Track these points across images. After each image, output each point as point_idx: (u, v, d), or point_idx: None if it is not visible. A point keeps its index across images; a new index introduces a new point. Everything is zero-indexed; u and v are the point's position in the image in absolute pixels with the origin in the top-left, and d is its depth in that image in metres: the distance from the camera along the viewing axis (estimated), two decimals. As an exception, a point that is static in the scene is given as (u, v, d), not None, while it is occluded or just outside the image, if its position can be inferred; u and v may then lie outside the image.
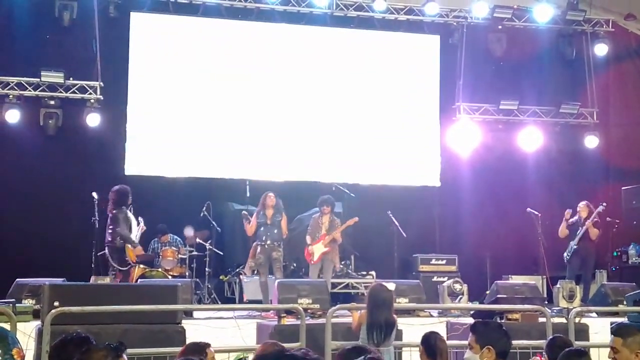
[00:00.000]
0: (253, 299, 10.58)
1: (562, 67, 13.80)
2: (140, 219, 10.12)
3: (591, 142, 13.55)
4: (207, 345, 4.24)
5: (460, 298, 10.48)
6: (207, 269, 10.90)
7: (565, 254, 11.29)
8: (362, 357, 3.06)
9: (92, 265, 10.27)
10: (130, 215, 9.86)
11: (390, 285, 6.55)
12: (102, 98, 11.84)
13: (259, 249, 10.26)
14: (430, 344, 4.87)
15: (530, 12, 13.46)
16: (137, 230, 9.97)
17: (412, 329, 7.57)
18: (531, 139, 13.51)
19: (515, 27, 13.55)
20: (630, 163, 13.44)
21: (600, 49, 13.73)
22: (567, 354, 4.06)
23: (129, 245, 9.71)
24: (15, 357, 2.85)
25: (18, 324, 6.25)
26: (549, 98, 13.77)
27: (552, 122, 13.67)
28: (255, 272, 10.69)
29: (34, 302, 8.55)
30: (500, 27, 13.34)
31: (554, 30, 13.75)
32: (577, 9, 13.37)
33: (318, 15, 12.93)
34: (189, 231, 11.38)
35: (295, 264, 11.65)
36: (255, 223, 10.35)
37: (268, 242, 10.22)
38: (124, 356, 3.01)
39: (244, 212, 10.86)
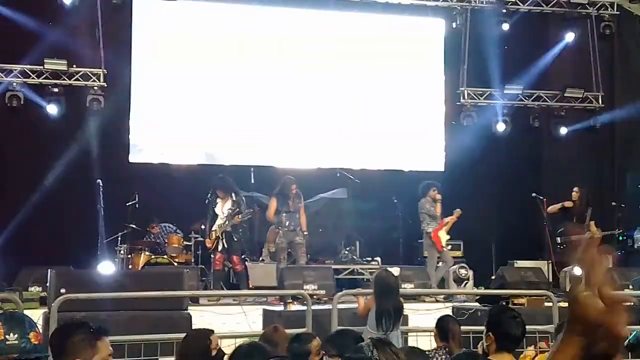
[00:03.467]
0: (259, 286, 10.59)
1: (567, 51, 13.71)
2: None
3: (596, 126, 13.51)
4: (211, 332, 4.24)
5: (466, 283, 10.51)
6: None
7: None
8: (360, 343, 3.03)
9: (98, 253, 10.29)
10: None
11: (395, 271, 6.56)
12: (105, 85, 11.82)
13: (281, 233, 10.24)
14: (443, 327, 4.91)
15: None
16: None
17: (417, 315, 7.60)
18: (535, 123, 13.47)
19: (519, 11, 13.46)
20: (635, 147, 13.41)
21: (605, 33, 13.64)
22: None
23: None
24: (32, 340, 2.84)
25: (25, 311, 6.26)
26: (553, 82, 13.71)
27: (557, 106, 13.62)
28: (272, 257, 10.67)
29: (40, 289, 8.58)
30: (504, 11, 13.26)
31: (558, 14, 13.66)
32: (582, -8, 13.27)
33: None
34: None
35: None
36: (274, 208, 10.32)
37: (291, 227, 10.21)
38: (105, 340, 2.95)
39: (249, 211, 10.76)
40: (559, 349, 1.25)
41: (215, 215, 10.23)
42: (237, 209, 10.10)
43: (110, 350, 2.96)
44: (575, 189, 11.33)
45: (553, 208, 11.35)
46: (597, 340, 1.21)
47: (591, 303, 1.21)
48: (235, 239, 10.17)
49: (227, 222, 10.08)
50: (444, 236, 10.60)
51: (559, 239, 11.17)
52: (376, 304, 5.90)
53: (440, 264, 10.67)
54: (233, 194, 10.23)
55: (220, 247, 10.11)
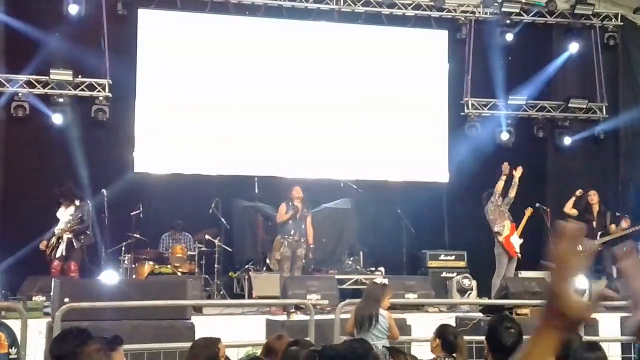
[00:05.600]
0: (262, 295, 10.59)
1: (571, 62, 13.74)
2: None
3: (600, 136, 13.53)
4: (218, 340, 4.26)
5: (469, 293, 10.48)
6: (216, 266, 10.92)
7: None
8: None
9: (102, 262, 10.32)
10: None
11: (378, 280, 6.77)
12: (110, 95, 11.88)
13: (285, 243, 10.24)
14: (448, 340, 4.86)
15: (539, 6, 13.41)
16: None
17: (420, 324, 7.58)
18: (539, 133, 13.50)
19: (523, 22, 13.50)
20: (639, 157, 13.40)
21: (610, 43, 13.67)
22: (580, 348, 4.05)
23: None
24: None
25: (29, 320, 6.28)
26: (557, 93, 13.74)
27: (561, 116, 13.63)
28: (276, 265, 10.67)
29: (44, 298, 8.60)
30: (508, 21, 13.30)
31: (562, 25, 13.70)
32: (586, 3, 13.32)
33: (325, 11, 12.92)
34: None
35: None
36: (283, 211, 10.32)
37: (295, 237, 10.21)
38: (120, 350, 2.98)
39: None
40: (535, 343, 1.29)
41: (58, 219, 10.03)
42: (80, 215, 9.95)
43: None
44: (592, 192, 11.41)
45: (567, 207, 11.42)
46: (572, 331, 1.29)
47: (574, 301, 1.25)
48: (76, 246, 9.96)
49: (67, 227, 9.92)
50: (516, 241, 10.65)
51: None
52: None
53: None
54: (77, 201, 10.06)
55: (59, 254, 9.86)
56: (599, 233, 11.24)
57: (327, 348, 2.37)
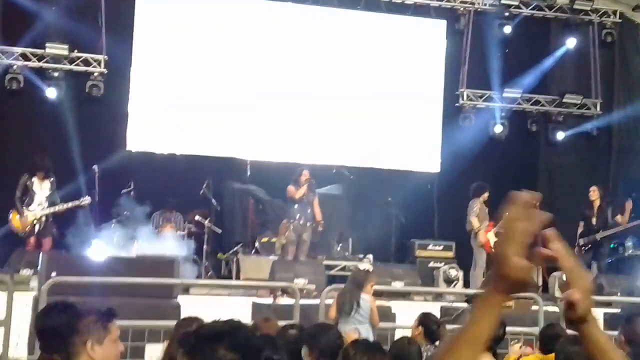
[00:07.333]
0: (250, 277, 10.62)
1: (568, 57, 13.74)
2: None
3: (593, 132, 13.58)
4: (200, 320, 4.27)
5: (456, 284, 10.55)
6: (205, 247, 10.94)
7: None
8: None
9: (92, 239, 10.31)
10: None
11: (363, 265, 6.87)
12: (105, 71, 11.83)
13: (291, 227, 10.22)
14: (431, 328, 4.90)
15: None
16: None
17: (405, 312, 7.62)
18: (533, 127, 13.53)
19: (522, 15, 13.49)
20: (631, 155, 13.46)
21: (607, 40, 13.69)
22: (564, 341, 4.09)
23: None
24: None
25: (15, 293, 6.30)
26: (553, 87, 13.75)
27: (555, 111, 13.66)
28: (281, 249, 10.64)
29: (32, 272, 8.60)
30: (507, 14, 13.28)
31: (560, 19, 13.70)
32: (585, -1, 13.31)
33: (325, -4, 12.87)
34: None
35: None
36: (293, 192, 10.27)
37: (301, 221, 10.20)
38: (115, 322, 3.01)
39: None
40: (482, 309, 1.35)
41: (32, 194, 9.90)
42: (53, 193, 9.95)
43: (119, 332, 3.03)
44: (593, 188, 11.37)
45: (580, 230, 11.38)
46: (516, 291, 1.36)
47: (516, 262, 1.32)
48: (50, 220, 10.00)
49: (46, 206, 9.91)
50: (492, 237, 10.67)
51: (581, 240, 11.17)
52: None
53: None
54: (51, 177, 10.04)
55: (35, 230, 9.87)
56: (600, 230, 11.16)
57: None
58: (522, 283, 1.35)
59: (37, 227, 9.90)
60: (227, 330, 1.85)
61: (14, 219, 9.90)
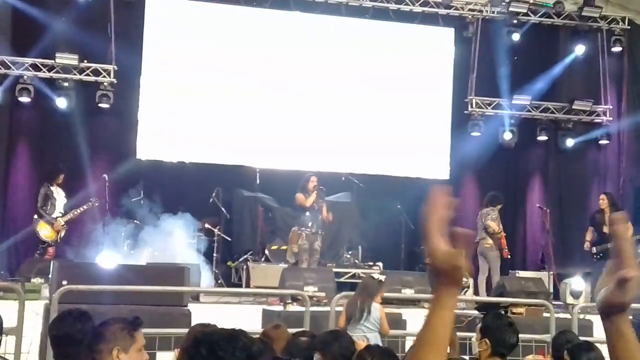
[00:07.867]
0: (260, 286, 10.62)
1: (577, 64, 13.72)
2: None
3: (603, 139, 13.54)
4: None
5: (466, 291, 10.51)
6: (215, 255, 10.96)
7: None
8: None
9: (102, 247, 10.35)
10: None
11: (376, 275, 6.87)
12: (115, 81, 11.88)
13: (303, 235, 10.18)
14: None
15: (546, 7, 13.39)
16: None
17: (416, 320, 7.61)
18: (542, 134, 13.50)
19: (530, 22, 13.49)
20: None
21: (616, 47, 13.66)
22: (576, 347, 4.08)
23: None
24: None
25: (26, 302, 6.32)
26: (562, 94, 13.72)
27: (565, 118, 13.62)
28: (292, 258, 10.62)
29: (42, 280, 8.63)
30: (515, 21, 13.28)
31: (569, 27, 13.68)
32: (594, 5, 13.30)
33: (333, 5, 12.91)
34: None
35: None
36: (302, 199, 10.26)
37: (313, 229, 10.17)
38: (141, 331, 3.03)
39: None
40: (433, 308, 1.38)
41: (53, 202, 10.01)
42: (67, 201, 10.10)
43: (144, 342, 3.04)
44: (602, 196, 11.32)
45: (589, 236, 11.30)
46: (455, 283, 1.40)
47: (441, 250, 1.37)
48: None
49: (68, 213, 10.05)
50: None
51: (594, 249, 11.09)
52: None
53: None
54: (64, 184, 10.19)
55: (59, 240, 10.01)
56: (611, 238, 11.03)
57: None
58: (454, 268, 1.39)
59: (61, 235, 10.00)
60: (225, 337, 1.86)
61: (44, 228, 9.93)
